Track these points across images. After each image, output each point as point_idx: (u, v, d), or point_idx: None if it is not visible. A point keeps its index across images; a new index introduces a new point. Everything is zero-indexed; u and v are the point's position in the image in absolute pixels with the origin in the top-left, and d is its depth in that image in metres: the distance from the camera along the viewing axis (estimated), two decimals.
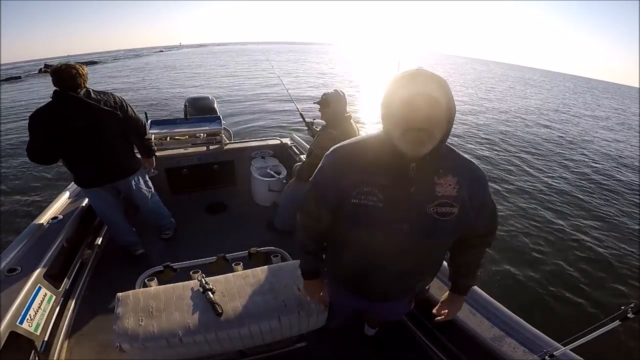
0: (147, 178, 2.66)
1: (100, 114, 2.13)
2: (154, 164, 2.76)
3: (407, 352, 1.91)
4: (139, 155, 2.61)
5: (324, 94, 2.43)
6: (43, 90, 19.47)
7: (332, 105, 2.40)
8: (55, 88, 2.04)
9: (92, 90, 2.16)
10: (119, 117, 2.23)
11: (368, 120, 10.35)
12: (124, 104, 2.31)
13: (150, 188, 2.67)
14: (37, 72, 36.51)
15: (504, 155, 8.57)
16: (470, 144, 9.36)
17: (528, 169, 7.70)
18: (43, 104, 2.04)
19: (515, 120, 13.82)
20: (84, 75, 2.10)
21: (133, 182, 2.48)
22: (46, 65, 37.81)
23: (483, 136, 10.35)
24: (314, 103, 2.50)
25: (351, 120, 2.49)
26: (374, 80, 24.72)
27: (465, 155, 1.03)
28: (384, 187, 0.95)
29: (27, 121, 2.01)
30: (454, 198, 0.96)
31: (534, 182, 6.91)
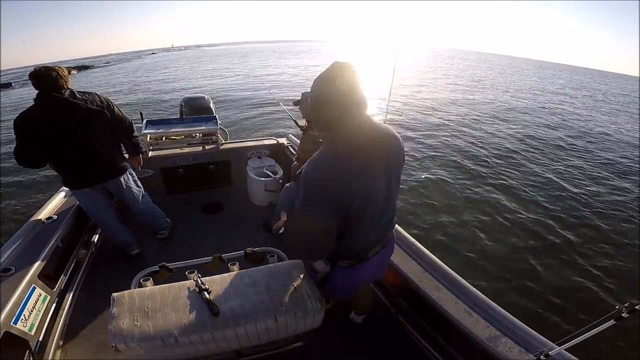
0: (137, 178, 2.65)
1: (87, 113, 2.12)
2: (142, 163, 2.75)
3: (402, 352, 1.91)
4: (127, 155, 2.60)
5: (303, 93, 2.40)
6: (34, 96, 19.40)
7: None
8: (37, 91, 2.03)
9: (77, 91, 2.15)
10: (106, 117, 2.23)
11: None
12: (110, 104, 2.32)
13: (140, 188, 2.65)
14: (27, 78, 35.82)
15: (506, 149, 8.62)
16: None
17: (524, 166, 7.75)
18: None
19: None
20: (64, 77, 2.09)
21: (123, 181, 2.46)
22: None
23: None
24: (293, 104, 2.48)
25: None
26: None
27: None
28: None
29: (12, 126, 1.98)
30: None
31: (529, 181, 6.95)
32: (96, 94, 2.27)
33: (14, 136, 2.00)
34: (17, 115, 2.00)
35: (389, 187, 1.27)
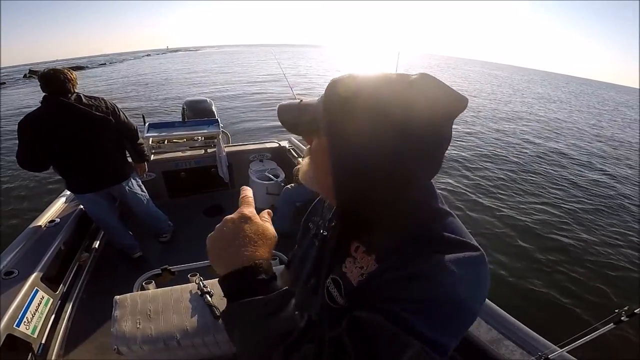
0: (140, 182, 2.66)
1: (92, 119, 2.12)
2: (147, 170, 2.77)
3: None
4: (131, 160, 2.61)
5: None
6: (29, 96, 19.36)
7: None
8: (44, 94, 2.03)
9: (83, 95, 2.15)
10: (111, 123, 2.22)
11: None
12: (116, 109, 2.31)
13: (144, 192, 2.66)
14: (21, 77, 34.93)
15: (497, 157, 8.61)
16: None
17: (521, 171, 7.74)
18: (31, 109, 2.04)
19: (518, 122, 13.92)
20: (72, 80, 2.08)
21: (127, 187, 2.47)
22: (31, 71, 36.77)
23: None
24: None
25: None
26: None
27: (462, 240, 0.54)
28: (311, 232, 0.75)
29: (16, 128, 1.99)
30: (350, 288, 0.58)
31: (528, 184, 6.94)
32: (102, 99, 2.26)
33: (17, 138, 2.01)
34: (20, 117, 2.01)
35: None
